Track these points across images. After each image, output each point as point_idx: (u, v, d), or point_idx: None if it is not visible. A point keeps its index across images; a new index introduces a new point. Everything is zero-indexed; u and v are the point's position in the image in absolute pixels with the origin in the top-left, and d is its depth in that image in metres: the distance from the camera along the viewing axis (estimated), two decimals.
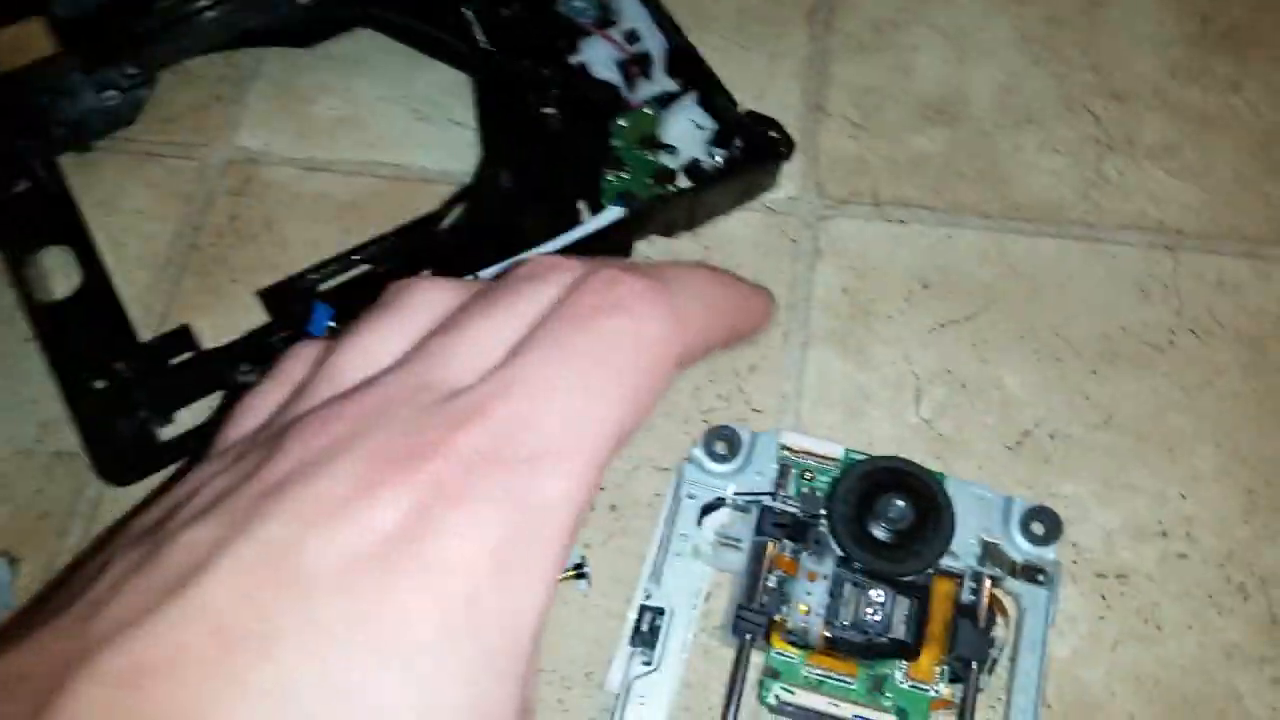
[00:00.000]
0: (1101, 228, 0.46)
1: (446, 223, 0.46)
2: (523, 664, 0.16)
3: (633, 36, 0.48)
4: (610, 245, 0.44)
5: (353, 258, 0.44)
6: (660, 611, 0.37)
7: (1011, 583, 0.37)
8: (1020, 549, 0.37)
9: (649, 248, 0.47)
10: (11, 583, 0.40)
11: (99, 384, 0.40)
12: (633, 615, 0.37)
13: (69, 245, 0.45)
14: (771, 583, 0.36)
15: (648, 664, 0.36)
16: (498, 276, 0.21)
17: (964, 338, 0.44)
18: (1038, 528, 0.38)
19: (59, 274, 0.46)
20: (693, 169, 0.46)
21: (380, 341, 0.20)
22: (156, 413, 0.40)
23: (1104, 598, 0.39)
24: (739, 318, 0.23)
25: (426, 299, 0.21)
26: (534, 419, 0.17)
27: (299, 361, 0.22)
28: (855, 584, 0.36)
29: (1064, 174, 0.48)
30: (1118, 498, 0.41)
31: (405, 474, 0.16)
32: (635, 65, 0.48)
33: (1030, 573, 0.37)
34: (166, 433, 0.41)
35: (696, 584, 0.38)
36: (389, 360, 0.20)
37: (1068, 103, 0.50)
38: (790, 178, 0.48)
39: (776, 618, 0.35)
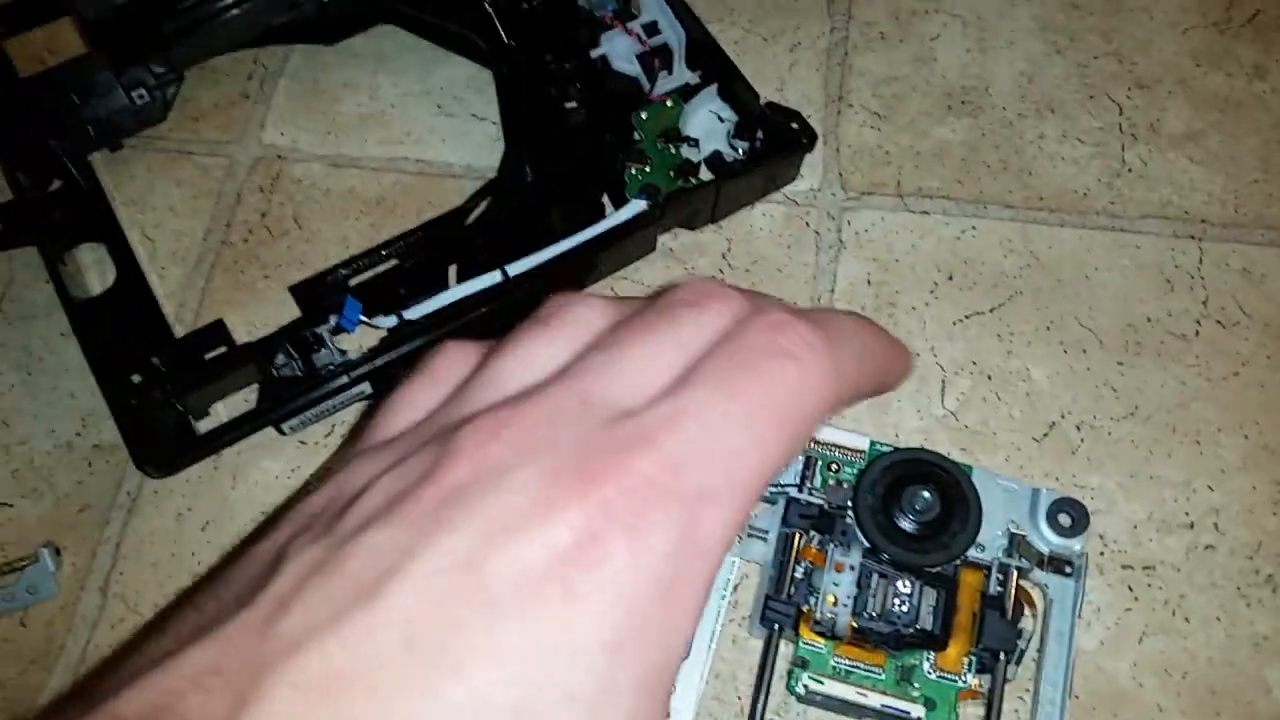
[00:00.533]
0: (1125, 217, 0.46)
1: (472, 217, 0.46)
2: (669, 686, 0.17)
3: (653, 29, 0.48)
4: (634, 238, 0.44)
5: (381, 252, 0.45)
6: None
7: (1038, 574, 0.37)
8: (1047, 540, 0.38)
9: (672, 240, 0.47)
10: (55, 572, 0.41)
11: (136, 378, 0.41)
12: None
13: (102, 242, 0.46)
14: (799, 574, 0.37)
15: None
16: (654, 295, 0.21)
17: (989, 329, 0.44)
18: (1064, 519, 0.38)
19: (93, 270, 0.46)
20: (715, 161, 0.46)
21: (541, 351, 0.20)
22: (193, 406, 0.41)
23: (1131, 589, 0.39)
24: (888, 371, 0.23)
25: (587, 315, 0.21)
26: (702, 455, 0.18)
27: (451, 361, 0.22)
28: (882, 575, 0.36)
29: (1087, 163, 0.48)
30: (1144, 489, 0.41)
31: (580, 495, 0.17)
32: (656, 58, 0.48)
33: (1057, 564, 0.37)
34: (203, 425, 0.42)
35: (724, 575, 0.38)
36: (549, 371, 0.20)
37: (1090, 91, 0.50)
38: (812, 169, 0.48)
39: (804, 608, 0.36)
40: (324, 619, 0.16)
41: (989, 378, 0.43)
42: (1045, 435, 0.42)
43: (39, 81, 0.48)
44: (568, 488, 0.17)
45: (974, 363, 0.43)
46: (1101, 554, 0.40)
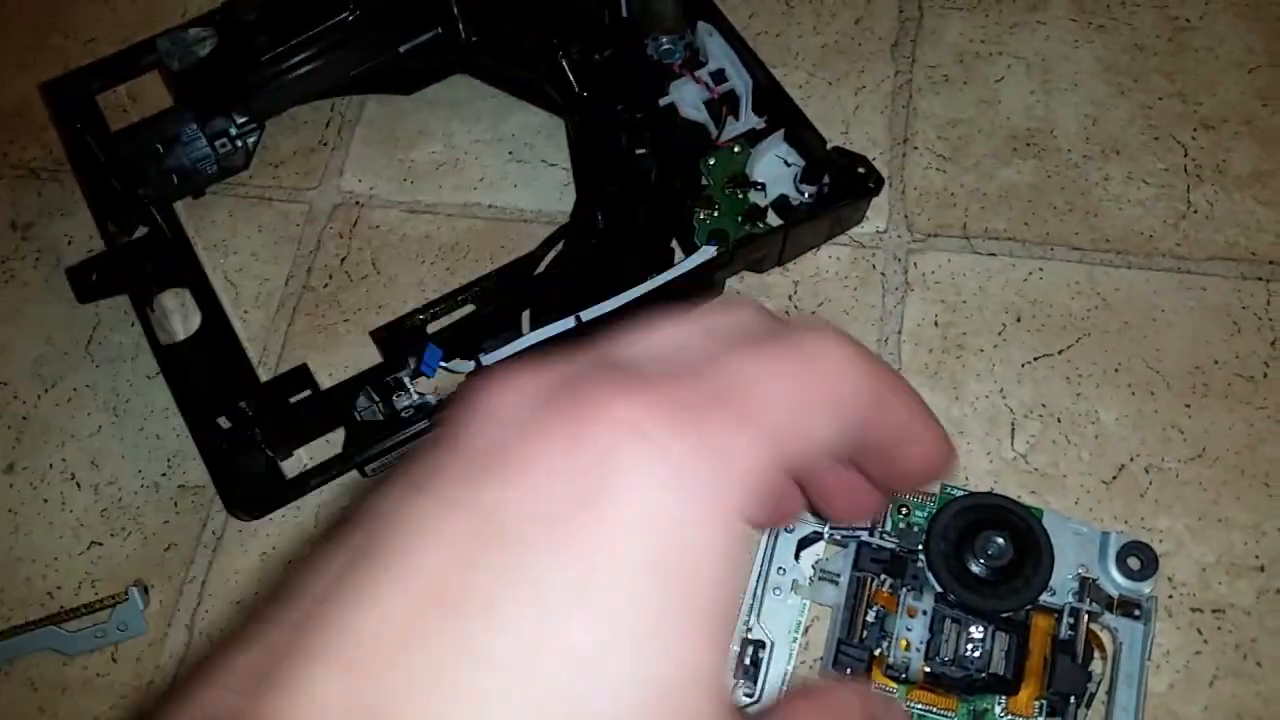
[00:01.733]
0: (1192, 259, 0.47)
1: (545, 263, 0.47)
2: (729, 622, 0.16)
3: (720, 77, 0.49)
4: (703, 283, 0.45)
5: (458, 298, 0.46)
6: (761, 645, 0.38)
7: (1108, 617, 0.37)
8: (1117, 584, 0.38)
9: (739, 282, 0.48)
10: (144, 610, 0.43)
11: (225, 422, 0.42)
12: (735, 648, 0.38)
13: (187, 287, 0.47)
14: (870, 618, 0.37)
15: (750, 696, 0.37)
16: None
17: (1058, 371, 0.44)
18: (1134, 562, 0.38)
19: (177, 315, 0.48)
20: (782, 206, 0.47)
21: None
22: (279, 449, 0.42)
23: (1200, 632, 0.39)
24: (912, 428, 0.21)
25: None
26: (735, 391, 0.17)
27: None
28: (955, 620, 0.37)
29: (1153, 205, 0.48)
30: (1213, 531, 0.41)
31: (605, 412, 0.16)
32: (723, 105, 0.49)
33: (1126, 607, 0.38)
34: (287, 467, 0.43)
35: (795, 617, 0.39)
36: None
37: (1155, 132, 0.50)
38: (878, 211, 0.49)
39: (877, 652, 0.36)
40: (349, 593, 0.15)
41: (1058, 420, 0.43)
42: (1114, 478, 0.42)
43: (128, 133, 0.50)
44: (592, 409, 0.16)
45: (1043, 405, 0.44)
46: (1170, 597, 0.40)
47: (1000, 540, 0.37)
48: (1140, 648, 0.37)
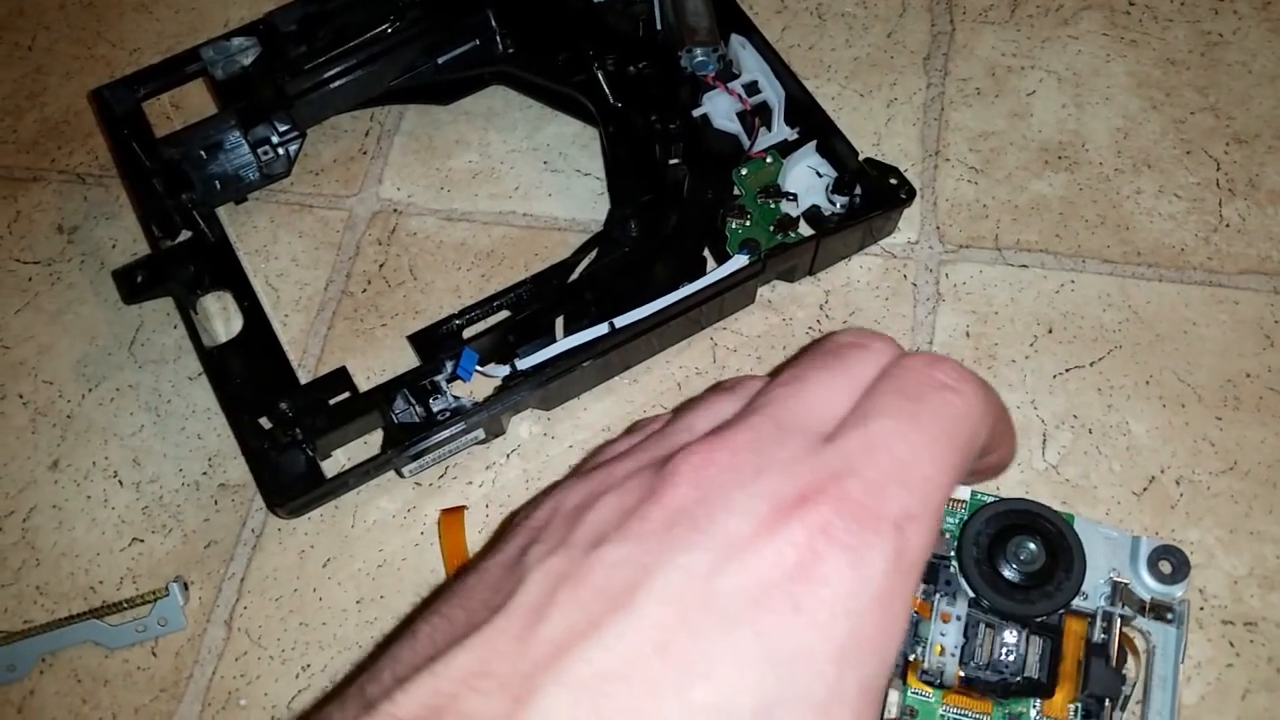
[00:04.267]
0: (1224, 273, 0.47)
1: (579, 270, 0.48)
2: (884, 692, 0.19)
3: (753, 88, 0.50)
4: (735, 291, 0.46)
5: (493, 303, 0.46)
6: None
7: (1141, 621, 0.38)
8: (1149, 587, 0.38)
9: (770, 291, 0.48)
10: (184, 606, 0.44)
11: (265, 423, 0.43)
12: None
13: (229, 290, 0.48)
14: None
15: None
16: (811, 346, 0.24)
17: (1089, 383, 0.44)
18: (1165, 566, 0.38)
19: (218, 318, 0.49)
20: (813, 216, 0.48)
21: (723, 404, 0.24)
22: (319, 450, 0.43)
23: (1232, 645, 0.39)
24: (1005, 436, 0.25)
25: (754, 384, 0.24)
26: (899, 481, 0.20)
27: (645, 422, 0.25)
28: (989, 625, 0.37)
29: (1184, 219, 0.48)
30: (1244, 544, 0.41)
31: (800, 517, 0.19)
32: (756, 116, 0.49)
33: (1159, 611, 0.38)
34: (326, 467, 0.44)
35: None
36: (733, 414, 0.23)
37: (1187, 146, 0.50)
38: (909, 222, 0.49)
39: (911, 658, 0.37)
40: (581, 625, 0.18)
41: (1090, 431, 0.43)
42: (1145, 489, 0.42)
43: (173, 140, 0.51)
44: (787, 511, 0.19)
45: (1075, 416, 0.44)
46: (1202, 609, 0.40)
47: (1032, 545, 0.37)
48: (1174, 651, 0.37)
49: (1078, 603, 0.37)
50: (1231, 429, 0.43)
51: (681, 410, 0.24)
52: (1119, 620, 0.37)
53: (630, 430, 0.26)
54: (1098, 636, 0.37)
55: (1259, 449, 0.43)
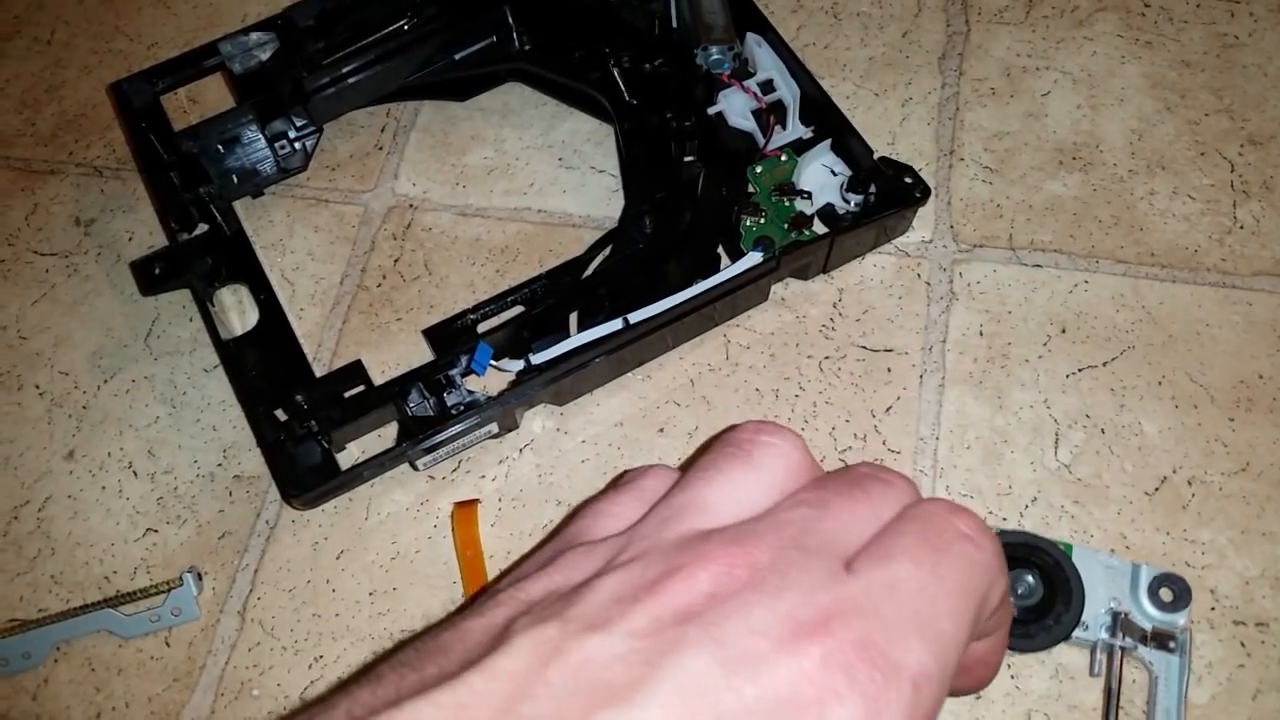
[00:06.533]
0: (1237, 274, 0.47)
1: (593, 266, 0.48)
2: None
3: (768, 86, 0.50)
4: (749, 288, 0.46)
5: (508, 299, 0.47)
6: None
7: (1143, 651, 0.37)
8: (1149, 616, 0.38)
9: (783, 289, 0.48)
10: (197, 596, 0.44)
11: (281, 415, 0.43)
12: None
13: (245, 284, 0.48)
14: None
15: None
16: (838, 472, 0.23)
17: (1102, 383, 0.45)
18: (1166, 594, 0.38)
19: (233, 311, 0.49)
20: (828, 214, 0.48)
21: (746, 484, 0.22)
22: (334, 442, 0.43)
23: (1243, 645, 0.39)
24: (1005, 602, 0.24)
25: (785, 461, 0.23)
26: (918, 632, 0.19)
27: (655, 480, 0.24)
28: None
29: (1198, 220, 0.48)
30: (1256, 545, 0.41)
31: (819, 643, 0.18)
32: (771, 114, 0.50)
33: (1161, 639, 0.38)
34: (342, 460, 0.44)
35: None
36: (754, 507, 0.22)
37: (1201, 148, 0.50)
38: (923, 221, 0.49)
39: None
40: (573, 710, 0.17)
41: (1102, 431, 0.43)
42: (1157, 489, 0.42)
43: (191, 133, 0.52)
44: (807, 635, 0.18)
45: (1087, 416, 0.44)
46: (1213, 609, 0.40)
47: (1030, 579, 0.37)
48: (1177, 681, 0.37)
49: (1078, 634, 0.37)
50: (1244, 430, 0.43)
51: (700, 475, 0.23)
52: (1120, 652, 0.37)
53: (618, 483, 0.24)
54: (1096, 669, 0.37)
55: (1272, 450, 0.43)
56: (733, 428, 0.24)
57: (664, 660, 0.17)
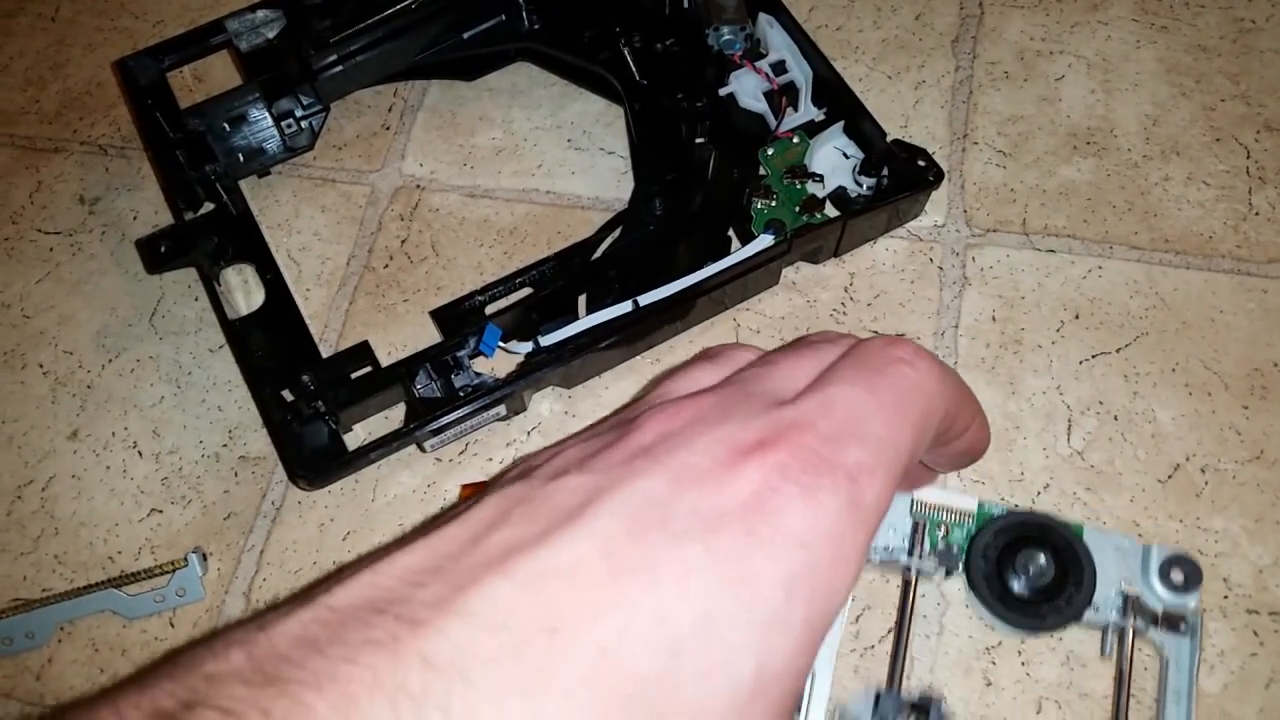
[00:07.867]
0: (1252, 261, 0.46)
1: (602, 248, 0.48)
2: (826, 632, 0.19)
3: (780, 68, 0.50)
4: (759, 271, 0.45)
5: (516, 280, 0.46)
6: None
7: (1154, 633, 0.37)
8: (1160, 598, 0.37)
9: (794, 273, 0.48)
10: (202, 577, 0.44)
11: (288, 395, 0.43)
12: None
13: (252, 263, 0.48)
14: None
15: None
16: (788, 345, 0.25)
17: (1115, 369, 0.44)
18: (1177, 576, 0.37)
19: (239, 291, 0.49)
20: (839, 197, 0.47)
21: (704, 375, 0.24)
22: (341, 423, 0.43)
23: (1256, 634, 0.39)
24: (967, 417, 0.26)
25: (744, 355, 0.25)
26: (852, 436, 0.21)
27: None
28: None
29: (1213, 206, 0.48)
30: (1269, 533, 0.41)
31: (758, 457, 0.20)
32: (783, 96, 0.49)
33: (1171, 621, 0.37)
34: (349, 442, 0.44)
35: (834, 643, 0.39)
36: (711, 381, 0.24)
37: (1217, 134, 0.50)
38: (936, 205, 0.49)
39: None
40: (533, 534, 0.18)
41: (1115, 418, 0.43)
42: (1170, 477, 0.42)
43: (197, 111, 0.51)
44: (745, 453, 0.20)
45: (1100, 402, 0.43)
46: (1225, 598, 0.40)
47: (1042, 558, 0.37)
48: (1187, 663, 0.37)
49: (1088, 615, 0.37)
50: (1258, 418, 0.43)
51: (663, 377, 0.25)
52: (1131, 633, 0.37)
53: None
54: (1108, 650, 0.36)
55: None
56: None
57: (616, 485, 0.19)
